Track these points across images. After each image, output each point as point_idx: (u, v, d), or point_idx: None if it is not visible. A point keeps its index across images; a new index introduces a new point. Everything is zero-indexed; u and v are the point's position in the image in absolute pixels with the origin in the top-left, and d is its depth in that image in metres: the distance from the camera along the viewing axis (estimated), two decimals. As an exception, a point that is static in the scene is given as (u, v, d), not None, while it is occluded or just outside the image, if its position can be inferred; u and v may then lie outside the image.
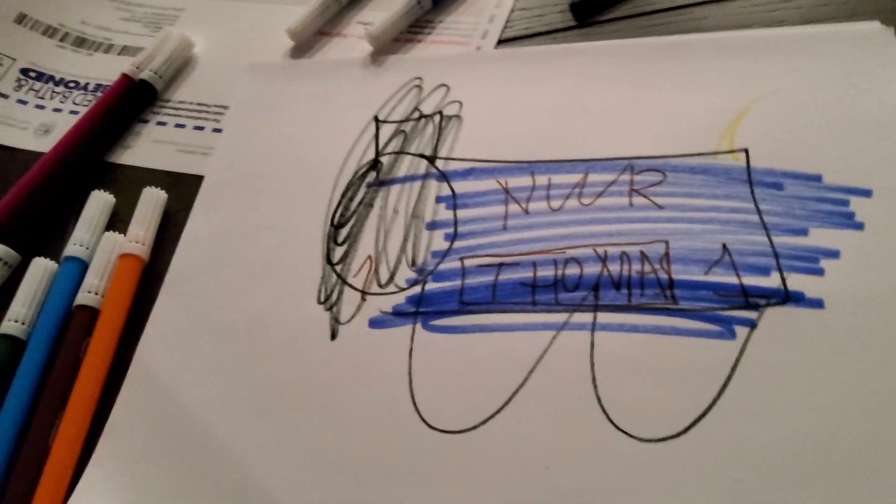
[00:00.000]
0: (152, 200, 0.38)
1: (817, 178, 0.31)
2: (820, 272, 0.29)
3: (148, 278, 0.37)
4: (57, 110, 0.45)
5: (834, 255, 0.30)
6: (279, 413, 0.31)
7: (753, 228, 0.31)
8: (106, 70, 0.46)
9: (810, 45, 0.35)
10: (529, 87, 0.38)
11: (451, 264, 0.33)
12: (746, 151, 0.33)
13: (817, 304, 0.29)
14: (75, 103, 0.45)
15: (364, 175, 0.37)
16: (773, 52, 0.35)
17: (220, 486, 0.30)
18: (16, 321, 0.35)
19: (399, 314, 0.32)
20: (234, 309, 0.34)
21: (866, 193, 0.31)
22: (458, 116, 0.38)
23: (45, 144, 0.43)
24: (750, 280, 0.30)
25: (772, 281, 0.30)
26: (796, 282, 0.29)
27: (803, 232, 0.30)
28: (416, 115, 0.39)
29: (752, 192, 0.32)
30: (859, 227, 0.30)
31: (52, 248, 0.38)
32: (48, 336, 0.35)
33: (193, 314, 0.35)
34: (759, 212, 0.31)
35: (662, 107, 0.35)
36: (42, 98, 0.46)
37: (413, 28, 0.42)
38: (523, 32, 0.40)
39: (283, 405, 0.31)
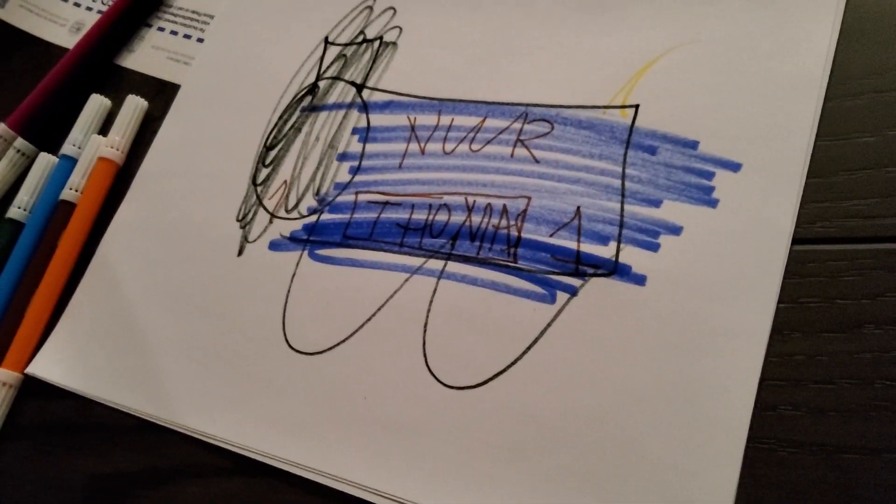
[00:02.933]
0: (132, 108, 0.47)
1: (693, 145, 0.33)
2: (655, 248, 0.32)
3: (123, 179, 0.46)
4: (89, 9, 0.55)
5: (676, 231, 0.32)
6: (188, 314, 0.40)
7: (612, 194, 0.34)
8: (130, -29, 0.54)
9: (747, -12, 0.35)
10: (466, 17, 0.41)
11: (348, 197, 0.39)
12: (636, 108, 0.35)
13: (640, 279, 0.32)
14: (104, 3, 0.54)
15: (301, 98, 0.43)
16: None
17: (133, 367, 0.39)
18: (19, 207, 0.46)
19: (293, 240, 0.39)
20: (179, 214, 0.43)
21: (735, 168, 0.32)
22: (394, 44, 0.42)
23: (74, 41, 0.53)
24: (588, 247, 0.33)
25: (608, 251, 0.33)
26: (629, 255, 0.32)
27: (657, 203, 0.33)
28: (361, 38, 0.43)
29: (626, 154, 0.34)
30: (713, 204, 0.32)
31: (62, 142, 0.48)
32: (39, 224, 0.46)
33: (150, 214, 0.44)
34: (623, 177, 0.34)
35: (579, 49, 0.37)
36: (79, -4, 0.55)
37: (384, -59, 0.46)
38: (481, -48, 0.43)
39: (191, 307, 0.40)
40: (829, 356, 0.28)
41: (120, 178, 0.46)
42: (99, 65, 0.50)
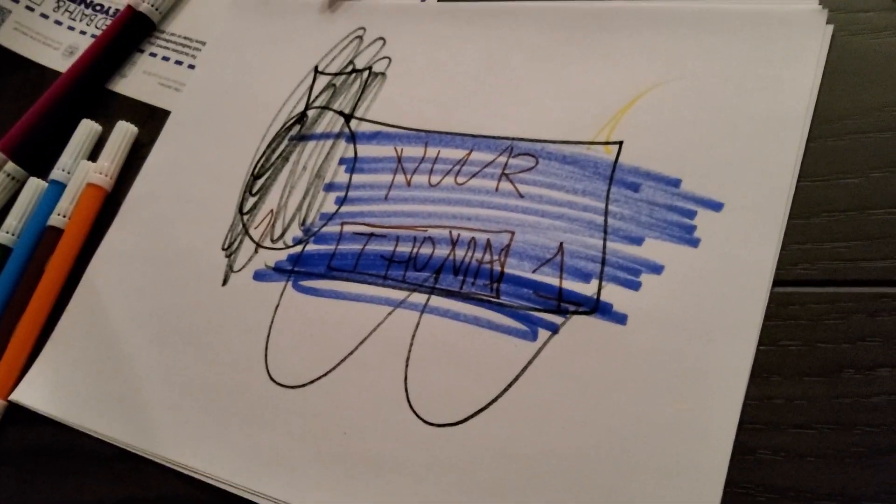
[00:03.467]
0: (122, 134, 0.47)
1: (676, 183, 0.33)
2: (636, 286, 0.32)
3: (112, 205, 0.46)
4: (83, 33, 0.55)
5: (657, 270, 0.32)
6: (171, 343, 0.40)
7: (594, 230, 0.34)
8: (125, -5, 0.54)
9: (732, 25, 0.35)
10: (454, 49, 0.41)
11: (333, 228, 0.39)
12: (620, 145, 0.35)
13: (621, 318, 0.32)
14: (97, 27, 0.55)
15: (290, 127, 0.43)
16: (693, 28, 0.35)
17: (116, 395, 0.39)
18: (7, 232, 0.46)
19: (278, 270, 0.39)
20: (166, 240, 0.43)
21: (717, 207, 0.32)
22: (383, 74, 0.42)
23: (68, 65, 0.53)
24: (570, 284, 0.33)
25: (590, 288, 0.33)
26: (611, 293, 0.32)
27: (639, 241, 0.33)
28: (350, 68, 0.43)
29: (609, 191, 0.34)
30: (694, 244, 0.32)
31: (52, 167, 0.48)
32: (26, 249, 0.46)
33: (137, 240, 0.44)
34: (606, 213, 0.34)
35: (564, 84, 0.37)
36: (74, 20, 0.56)
37: (375, -30, 0.46)
38: (470, -16, 0.43)
39: (175, 337, 0.40)
40: (809, 400, 0.28)
41: (108, 204, 0.46)
42: (91, 90, 0.50)
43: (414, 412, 0.33)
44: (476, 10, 0.41)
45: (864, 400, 0.27)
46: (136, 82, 0.50)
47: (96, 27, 0.54)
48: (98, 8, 0.55)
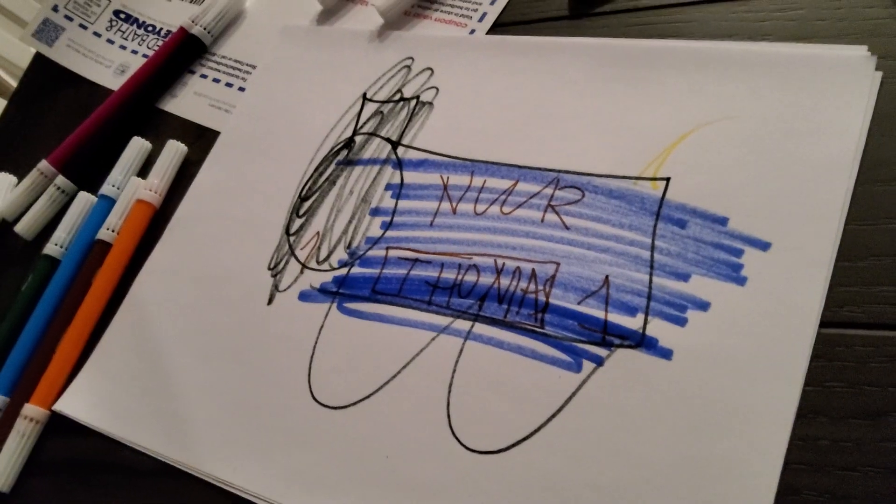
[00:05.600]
0: (172, 152, 0.48)
1: (723, 221, 0.34)
2: (682, 322, 0.32)
3: (159, 221, 0.47)
4: (134, 52, 0.56)
5: (703, 307, 0.32)
6: (217, 360, 0.40)
7: (640, 265, 0.34)
8: (176, 17, 0.56)
9: (781, 68, 0.36)
10: (502, 81, 0.42)
11: (378, 252, 0.40)
12: (667, 181, 0.35)
13: (666, 354, 0.32)
14: (148, 47, 0.56)
15: (338, 152, 0.44)
16: (742, 69, 0.36)
17: (158, 409, 0.40)
18: (56, 244, 0.48)
19: (323, 292, 0.40)
20: (212, 259, 0.44)
21: (764, 247, 0.32)
22: (430, 104, 0.43)
23: (118, 83, 0.54)
24: (615, 317, 0.33)
25: (635, 322, 0.33)
26: (656, 328, 0.33)
27: (685, 277, 0.33)
28: (398, 96, 0.44)
29: (655, 226, 0.35)
30: (741, 282, 0.32)
31: (101, 182, 0.49)
32: (74, 262, 0.47)
33: (183, 258, 0.45)
34: (652, 248, 0.34)
35: (612, 120, 0.38)
36: (126, 39, 0.57)
37: (424, 2, 0.47)
38: (519, 18, 0.44)
39: (220, 354, 0.41)
40: (854, 443, 0.28)
41: (156, 221, 0.47)
42: (141, 108, 0.52)
43: (456, 438, 0.33)
44: (524, 44, 0.42)
45: (910, 444, 0.27)
46: (187, 102, 0.51)
47: (148, 47, 0.55)
48: (150, 28, 0.56)
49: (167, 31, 0.56)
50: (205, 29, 0.52)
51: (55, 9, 0.59)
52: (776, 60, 0.36)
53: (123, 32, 0.57)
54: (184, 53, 0.53)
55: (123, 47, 0.56)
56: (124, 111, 0.52)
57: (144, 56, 0.55)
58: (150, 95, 0.52)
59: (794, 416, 0.29)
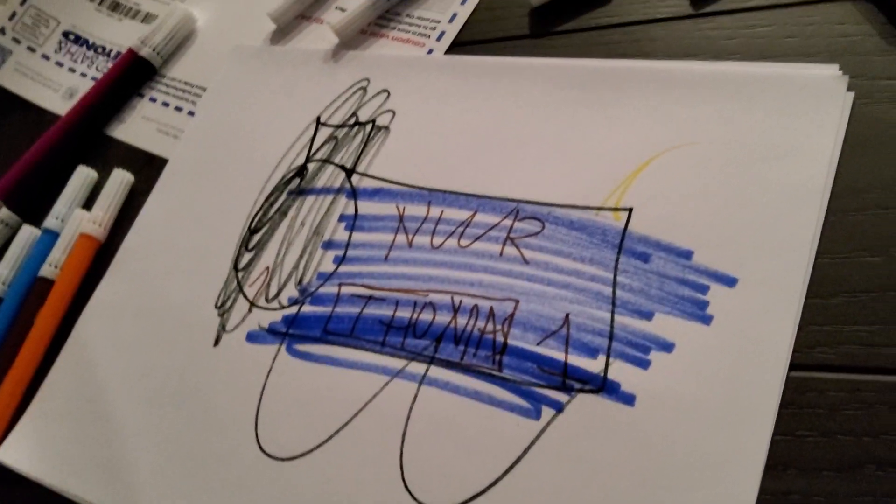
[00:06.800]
0: (118, 182, 0.46)
1: (688, 255, 0.32)
2: (646, 364, 0.31)
3: (105, 255, 0.45)
4: (83, 75, 0.54)
5: (667, 347, 0.31)
6: (162, 405, 0.39)
7: (602, 302, 0.32)
8: (126, 37, 0.54)
9: (748, 88, 0.34)
10: (460, 104, 0.40)
11: (330, 289, 0.38)
12: (630, 212, 0.34)
13: (629, 399, 0.30)
14: (98, 69, 0.54)
15: (289, 181, 0.42)
16: (707, 91, 0.34)
17: (101, 458, 0.38)
18: (-2, 281, 0.46)
19: (272, 332, 0.38)
20: (158, 296, 0.42)
21: (731, 282, 0.31)
22: (387, 128, 0.41)
23: (67, 108, 0.52)
24: (576, 359, 0.32)
25: (596, 365, 0.31)
26: (618, 370, 0.31)
27: (648, 315, 0.31)
28: (353, 120, 0.43)
29: (617, 260, 0.33)
30: (707, 321, 0.30)
31: (47, 213, 0.47)
32: (16, 300, 0.45)
33: (128, 295, 0.43)
34: (614, 284, 0.33)
35: (573, 145, 0.36)
36: (75, 62, 0.55)
37: (381, 20, 0.45)
38: (479, 37, 0.42)
39: (165, 398, 0.39)
40: (827, 497, 0.26)
41: (101, 255, 0.45)
42: (88, 134, 0.50)
43: (409, 492, 0.32)
44: (484, 65, 0.40)
45: (887, 500, 0.25)
46: (135, 128, 0.49)
47: (97, 69, 0.53)
48: (100, 50, 0.54)
49: (117, 52, 0.54)
50: (154, 50, 0.50)
51: (2, 31, 0.57)
52: (743, 81, 0.34)
53: (73, 54, 0.55)
54: (132, 76, 0.51)
55: (73, 70, 0.55)
56: (70, 138, 0.50)
57: (94, 79, 0.53)
58: (97, 121, 0.50)
59: (762, 468, 0.27)
